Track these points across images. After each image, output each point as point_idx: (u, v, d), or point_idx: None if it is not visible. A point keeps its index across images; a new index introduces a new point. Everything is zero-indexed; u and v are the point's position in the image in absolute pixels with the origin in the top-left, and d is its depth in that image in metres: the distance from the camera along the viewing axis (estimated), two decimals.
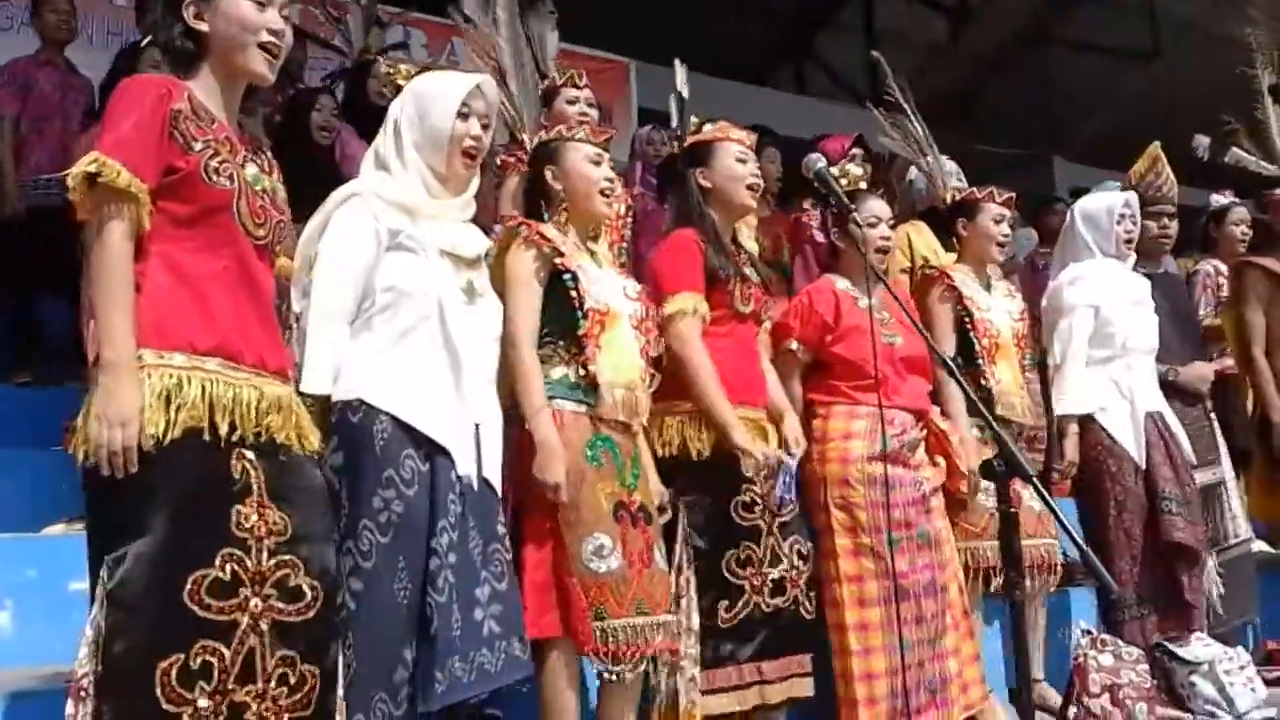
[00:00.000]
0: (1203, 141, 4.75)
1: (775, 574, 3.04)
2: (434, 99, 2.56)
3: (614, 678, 2.63)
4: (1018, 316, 3.91)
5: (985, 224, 3.83)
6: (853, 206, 3.10)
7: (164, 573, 1.91)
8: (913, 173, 4.59)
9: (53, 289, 4.68)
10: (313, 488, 2.17)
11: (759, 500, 3.05)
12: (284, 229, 2.23)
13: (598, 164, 2.87)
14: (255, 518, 2.02)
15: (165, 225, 2.05)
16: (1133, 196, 4.18)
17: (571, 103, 3.58)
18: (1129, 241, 4.15)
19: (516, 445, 2.66)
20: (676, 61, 3.67)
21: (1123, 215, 4.14)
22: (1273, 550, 4.58)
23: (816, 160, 2.76)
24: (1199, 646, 3.77)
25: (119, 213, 1.97)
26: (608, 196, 2.88)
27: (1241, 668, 3.72)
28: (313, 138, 4.43)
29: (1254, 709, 3.63)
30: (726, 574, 3.00)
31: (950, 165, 4.30)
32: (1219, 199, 5.04)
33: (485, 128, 2.61)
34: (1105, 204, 4.19)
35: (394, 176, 2.54)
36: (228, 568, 1.97)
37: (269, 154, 2.27)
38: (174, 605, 1.91)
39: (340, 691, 2.15)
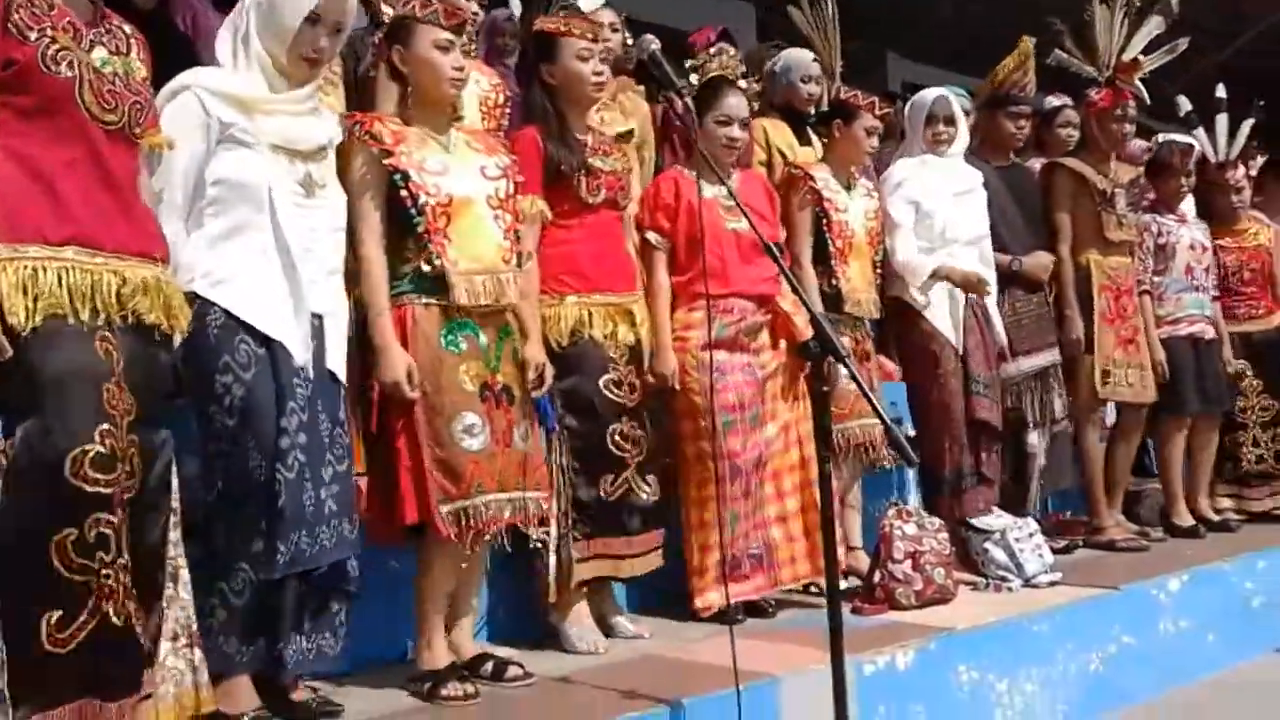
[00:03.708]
0: (1028, 42, 4.89)
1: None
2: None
3: (471, 551, 2.77)
4: (873, 216, 4.10)
5: (858, 133, 3.99)
6: (682, 86, 3.16)
7: (50, 450, 1.98)
8: (778, 64, 4.67)
9: None
10: (157, 372, 2.21)
11: (624, 381, 3.23)
12: (141, 109, 2.19)
13: (447, 50, 2.81)
14: (119, 396, 2.07)
15: (11, 119, 2.04)
16: (943, 100, 4.29)
17: None
18: (939, 142, 4.27)
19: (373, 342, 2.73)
20: None
21: (932, 116, 4.26)
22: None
23: (650, 42, 2.76)
24: (992, 517, 4.10)
25: None
26: (456, 85, 2.85)
27: (1030, 535, 4.05)
28: (137, 6, 4.21)
29: (1041, 573, 3.96)
30: (612, 448, 3.18)
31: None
32: (1052, 101, 5.28)
33: (337, 31, 2.57)
34: (918, 101, 4.35)
35: (236, 68, 2.51)
36: (107, 443, 2.04)
37: (127, 30, 2.21)
38: (60, 481, 1.98)
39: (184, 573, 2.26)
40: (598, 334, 3.21)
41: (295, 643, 2.50)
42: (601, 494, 3.18)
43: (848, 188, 4.04)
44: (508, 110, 3.46)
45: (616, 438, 3.20)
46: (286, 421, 2.42)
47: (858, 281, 3.97)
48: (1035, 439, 4.42)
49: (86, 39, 2.10)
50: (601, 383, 3.20)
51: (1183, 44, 4.83)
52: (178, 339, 2.30)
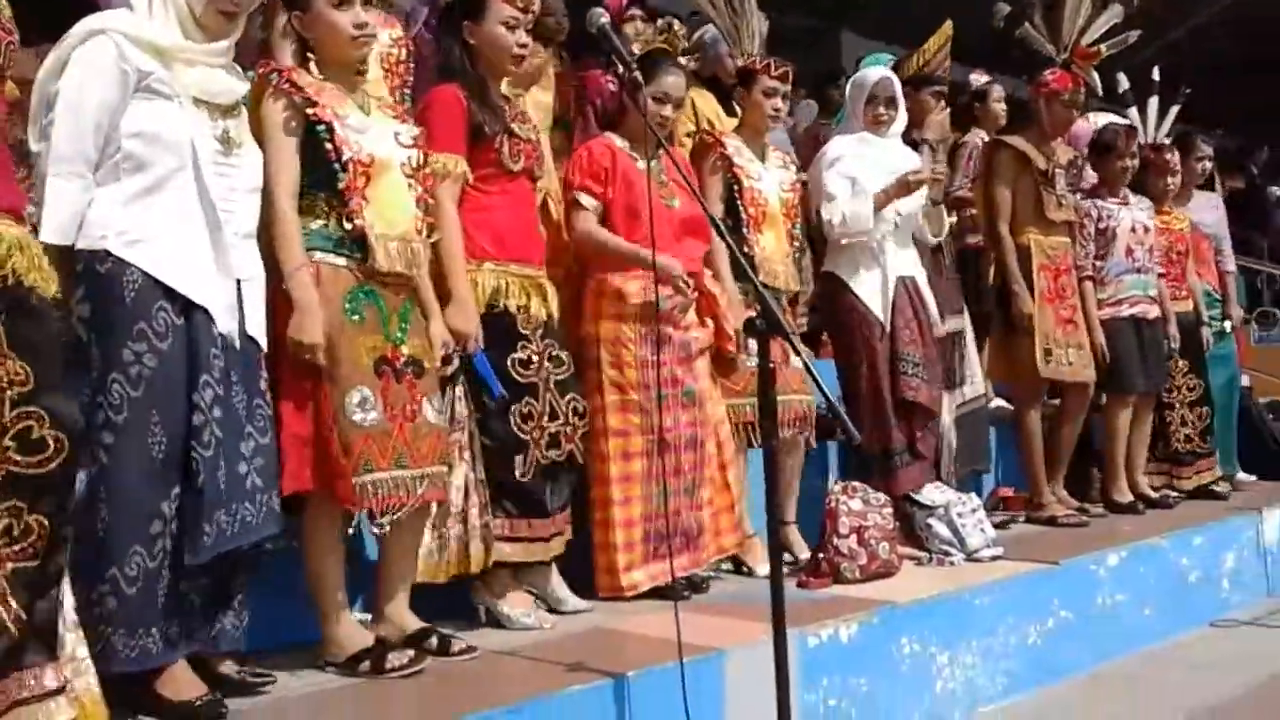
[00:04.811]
0: (1002, 9, 4.87)
1: (553, 428, 3.14)
2: None
3: (378, 529, 2.69)
4: (788, 187, 4.06)
5: (757, 96, 3.96)
6: (633, 62, 3.10)
7: None
8: (708, 35, 4.63)
9: None
10: (55, 338, 2.05)
11: (536, 357, 3.14)
12: (13, 51, 2.04)
13: (345, 7, 2.69)
14: None
15: None
16: (886, 81, 4.28)
17: None
18: (878, 123, 4.26)
19: (272, 301, 2.60)
20: None
21: (873, 96, 4.25)
22: (1008, 406, 5.02)
23: (600, 15, 2.71)
24: (935, 492, 4.12)
25: None
26: (360, 43, 2.74)
27: (973, 511, 4.08)
28: None
29: (983, 547, 3.99)
30: (514, 428, 3.08)
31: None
32: (978, 79, 5.32)
33: None
34: (860, 80, 4.34)
35: (152, 14, 2.37)
36: None
37: None
38: None
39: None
40: (513, 305, 3.11)
41: (194, 626, 2.38)
42: (516, 474, 3.09)
43: (761, 158, 4.01)
44: (411, 67, 3.34)
45: (517, 419, 3.08)
46: (199, 396, 2.29)
47: (772, 251, 3.92)
48: (944, 414, 4.36)
49: None
50: (509, 360, 3.09)
51: (1134, 36, 4.87)
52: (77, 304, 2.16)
